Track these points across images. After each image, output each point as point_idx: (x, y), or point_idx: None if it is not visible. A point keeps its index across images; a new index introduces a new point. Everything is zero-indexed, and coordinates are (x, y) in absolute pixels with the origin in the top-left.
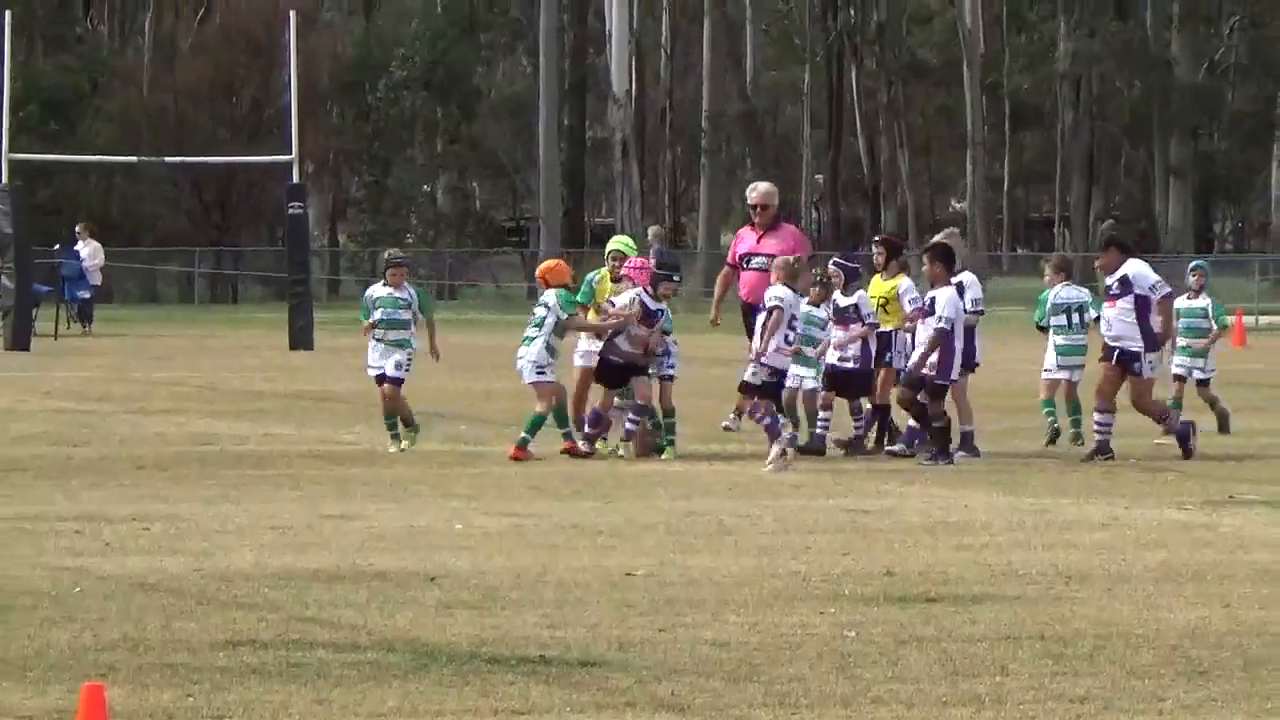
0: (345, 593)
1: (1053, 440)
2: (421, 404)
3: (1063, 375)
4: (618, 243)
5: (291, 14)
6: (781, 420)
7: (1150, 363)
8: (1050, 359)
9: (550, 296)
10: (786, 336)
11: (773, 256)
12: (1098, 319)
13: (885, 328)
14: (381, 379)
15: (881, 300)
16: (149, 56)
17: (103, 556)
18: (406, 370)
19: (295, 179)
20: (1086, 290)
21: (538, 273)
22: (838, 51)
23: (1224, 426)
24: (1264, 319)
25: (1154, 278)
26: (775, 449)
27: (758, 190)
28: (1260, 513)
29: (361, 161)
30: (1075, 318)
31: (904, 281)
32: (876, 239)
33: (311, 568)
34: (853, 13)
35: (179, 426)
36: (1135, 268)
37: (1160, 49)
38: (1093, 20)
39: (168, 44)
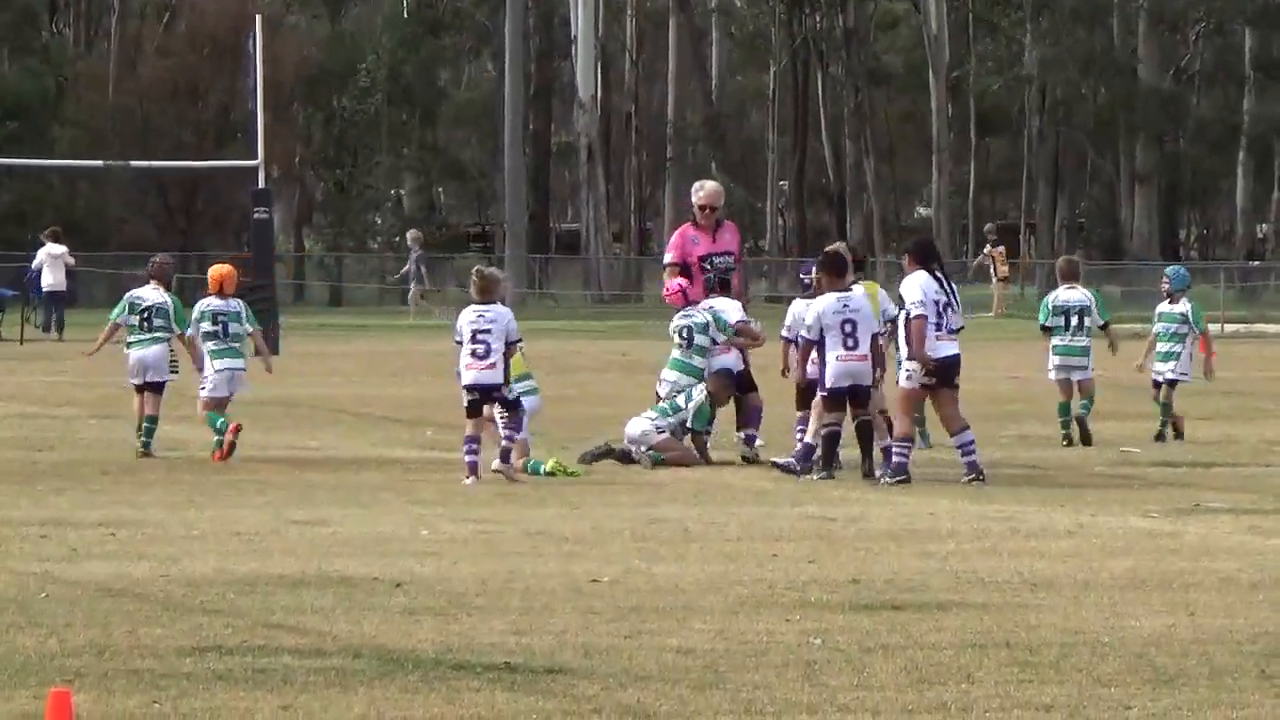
0: (311, 599)
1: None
2: (386, 410)
3: (1064, 376)
4: None
5: (257, 18)
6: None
7: (909, 373)
8: (1051, 360)
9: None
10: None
11: (733, 254)
12: (1105, 325)
13: None
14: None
15: None
16: (114, 61)
17: (69, 562)
18: None
19: (261, 184)
20: (1088, 293)
21: (219, 278)
22: (803, 57)
23: (1177, 434)
24: (1229, 327)
25: (907, 304)
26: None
27: (706, 190)
28: (1225, 521)
29: (327, 166)
30: (1075, 320)
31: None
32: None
33: (277, 573)
34: (819, 18)
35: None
36: (906, 284)
37: (1126, 55)
38: (1059, 27)
39: (133, 48)
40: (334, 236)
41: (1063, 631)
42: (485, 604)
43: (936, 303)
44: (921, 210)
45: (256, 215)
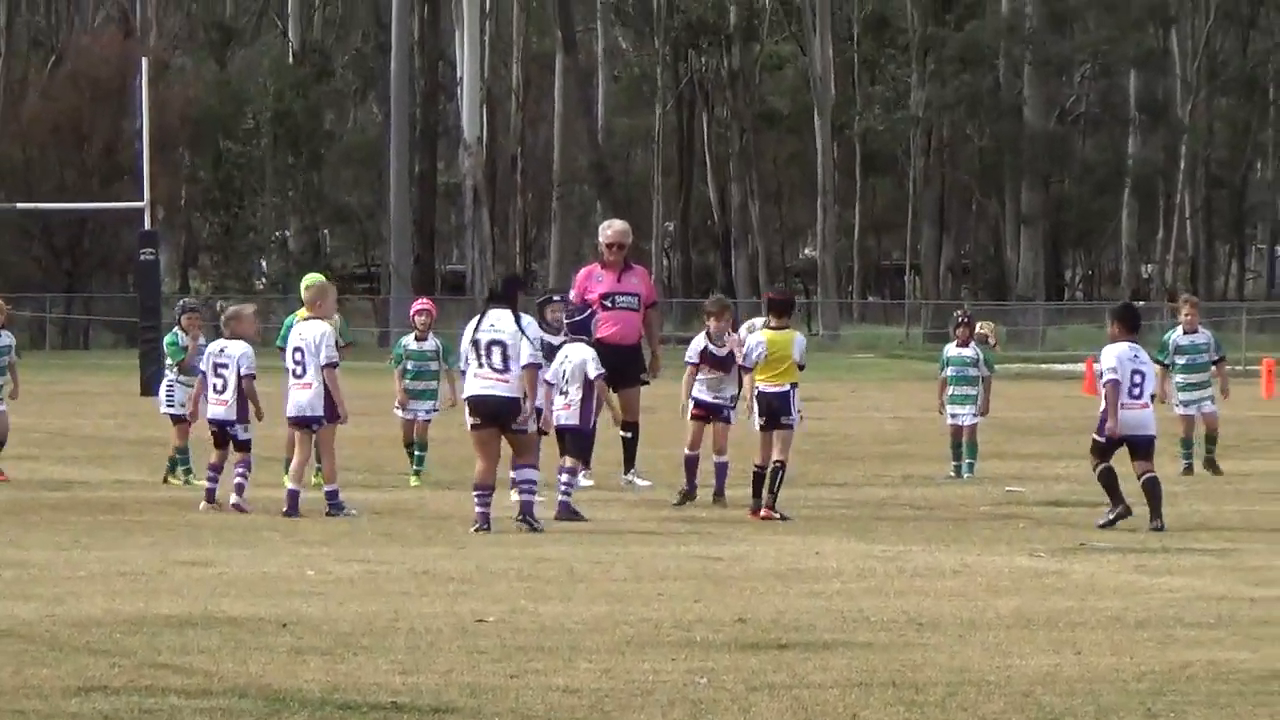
0: (197, 639)
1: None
2: (273, 450)
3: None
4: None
5: (144, 60)
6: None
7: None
8: (1175, 395)
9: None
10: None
11: (637, 295)
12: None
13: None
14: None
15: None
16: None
17: None
18: None
19: (147, 225)
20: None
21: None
22: (689, 99)
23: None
24: None
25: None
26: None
27: (614, 228)
28: (1111, 560)
29: (213, 209)
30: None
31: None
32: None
33: (163, 614)
34: (704, 60)
35: (30, 472)
36: None
37: (1011, 97)
38: (944, 68)
39: (17, 89)
40: (220, 278)
41: (949, 671)
42: (371, 643)
43: (476, 342)
44: (807, 251)
45: (143, 257)
